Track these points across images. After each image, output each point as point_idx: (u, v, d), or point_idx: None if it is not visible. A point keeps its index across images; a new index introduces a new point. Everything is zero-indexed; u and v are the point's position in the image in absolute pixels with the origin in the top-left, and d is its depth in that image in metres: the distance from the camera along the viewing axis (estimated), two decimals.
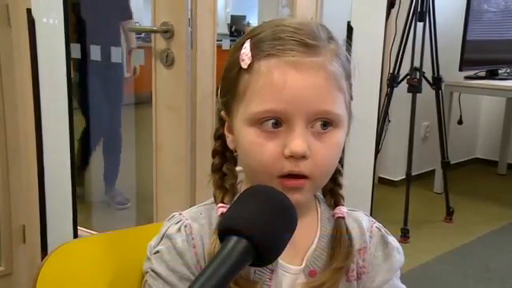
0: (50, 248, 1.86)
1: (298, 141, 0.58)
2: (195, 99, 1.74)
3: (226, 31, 5.61)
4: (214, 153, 0.69)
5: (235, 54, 0.63)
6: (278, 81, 0.58)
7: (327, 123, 0.60)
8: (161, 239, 0.64)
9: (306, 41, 0.59)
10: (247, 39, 0.62)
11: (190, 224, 0.64)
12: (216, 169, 0.68)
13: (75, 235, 1.78)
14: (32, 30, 1.73)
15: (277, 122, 0.59)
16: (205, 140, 1.80)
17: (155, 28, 1.61)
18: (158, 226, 0.67)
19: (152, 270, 0.63)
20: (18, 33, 1.75)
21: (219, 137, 0.68)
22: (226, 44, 3.29)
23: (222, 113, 0.67)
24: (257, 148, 0.60)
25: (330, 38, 0.63)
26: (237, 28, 5.38)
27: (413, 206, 2.74)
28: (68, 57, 1.71)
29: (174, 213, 0.67)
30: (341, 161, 0.68)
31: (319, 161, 0.60)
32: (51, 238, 1.85)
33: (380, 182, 3.46)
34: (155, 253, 0.63)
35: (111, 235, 0.71)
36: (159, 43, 1.64)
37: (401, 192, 2.85)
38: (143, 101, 4.55)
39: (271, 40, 0.60)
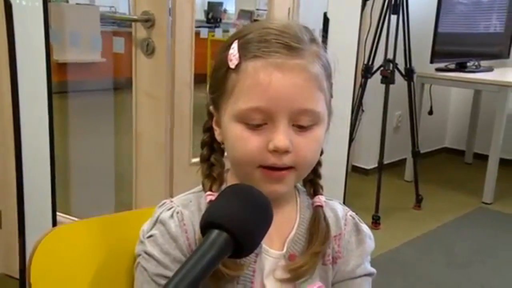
0: (28, 233, 1.86)
1: (281, 137, 0.62)
2: (173, 88, 1.76)
3: (203, 17, 5.58)
4: (203, 144, 0.73)
5: (223, 54, 0.67)
6: (264, 81, 0.62)
7: (309, 120, 0.65)
8: (154, 224, 0.68)
9: (290, 44, 0.63)
10: (235, 39, 0.66)
11: (181, 211, 0.68)
12: (204, 159, 0.72)
13: (54, 221, 1.79)
14: (9, 14, 1.70)
15: (262, 119, 0.63)
16: (183, 127, 1.83)
17: (135, 17, 1.62)
18: (147, 212, 0.71)
19: (145, 253, 0.66)
20: None
21: (208, 129, 0.72)
22: (204, 32, 3.29)
23: (211, 108, 0.71)
24: (242, 141, 0.64)
25: (312, 39, 0.67)
26: (214, 15, 5.36)
27: (384, 194, 2.83)
28: (47, 41, 1.67)
29: (165, 200, 0.70)
30: (321, 153, 0.73)
31: (301, 154, 0.65)
32: (29, 223, 1.85)
33: (353, 171, 3.55)
34: (148, 237, 0.67)
35: (102, 219, 0.74)
36: (139, 32, 1.66)
37: (373, 180, 2.94)
38: (120, 87, 4.53)
39: (257, 42, 0.64)
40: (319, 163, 0.74)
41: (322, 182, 0.75)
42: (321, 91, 0.66)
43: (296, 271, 0.68)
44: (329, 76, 0.68)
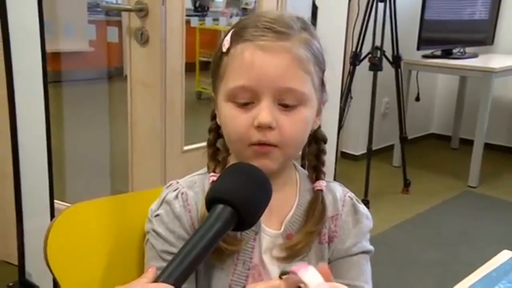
0: (25, 220, 1.88)
1: (264, 113, 0.66)
2: (166, 76, 1.79)
3: (190, 6, 5.57)
4: (210, 130, 0.77)
5: (221, 42, 0.72)
6: (248, 61, 0.67)
7: (294, 99, 0.68)
8: (161, 204, 0.72)
9: (278, 29, 0.68)
10: (232, 28, 0.71)
11: (186, 191, 0.73)
12: (210, 144, 0.77)
13: (52, 208, 1.81)
14: (2, 4, 1.70)
15: (249, 97, 0.68)
16: (174, 115, 1.86)
17: (130, 7, 1.64)
18: (155, 192, 0.75)
19: (153, 231, 0.71)
20: None
21: (215, 116, 0.77)
22: (194, 21, 3.32)
23: (212, 93, 0.76)
24: (232, 119, 0.69)
25: (304, 29, 0.71)
26: (201, 3, 5.34)
27: (373, 179, 2.89)
28: (41, 24, 1.64)
29: (172, 182, 0.75)
30: (325, 142, 0.77)
31: (286, 132, 0.68)
32: (26, 210, 1.87)
33: (342, 157, 3.60)
34: (155, 216, 0.72)
35: (113, 199, 0.79)
36: (133, 21, 1.68)
37: (362, 166, 3.00)
38: (110, 76, 4.50)
39: (249, 28, 0.69)
40: (323, 151, 0.78)
41: (325, 169, 0.79)
42: (307, 73, 0.69)
43: (291, 249, 0.73)
44: (318, 63, 0.71)
